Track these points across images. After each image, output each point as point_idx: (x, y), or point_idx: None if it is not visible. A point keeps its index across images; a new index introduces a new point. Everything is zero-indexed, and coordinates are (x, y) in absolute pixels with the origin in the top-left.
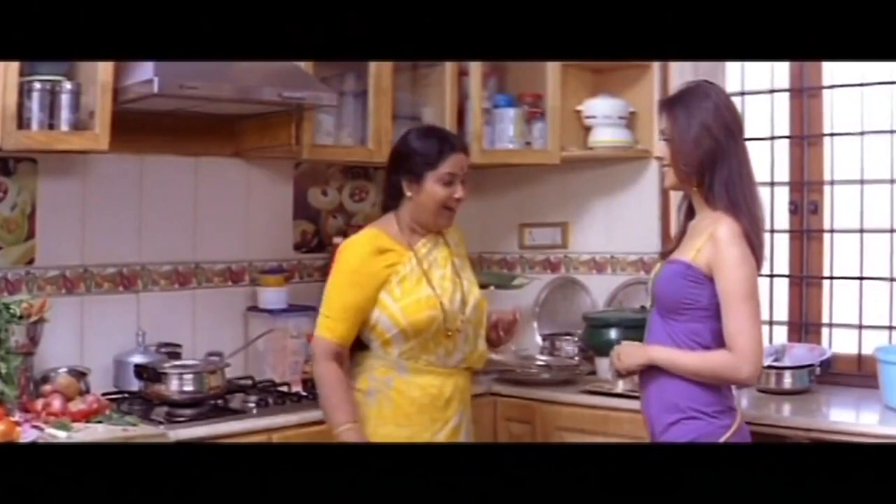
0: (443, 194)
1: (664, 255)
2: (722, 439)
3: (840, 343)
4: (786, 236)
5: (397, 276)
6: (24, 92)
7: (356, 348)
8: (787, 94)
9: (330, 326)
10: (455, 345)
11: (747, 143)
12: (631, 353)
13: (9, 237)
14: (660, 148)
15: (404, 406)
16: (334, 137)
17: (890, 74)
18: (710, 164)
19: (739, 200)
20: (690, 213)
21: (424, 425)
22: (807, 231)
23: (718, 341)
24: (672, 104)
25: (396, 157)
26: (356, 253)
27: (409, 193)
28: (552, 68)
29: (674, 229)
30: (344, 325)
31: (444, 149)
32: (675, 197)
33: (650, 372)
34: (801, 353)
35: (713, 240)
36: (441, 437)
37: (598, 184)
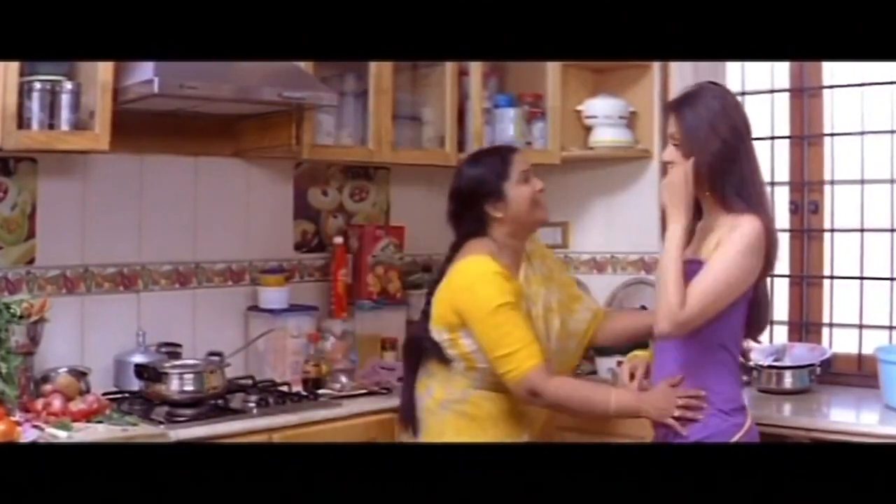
0: (528, 193)
1: None
2: (734, 438)
3: (840, 343)
4: (786, 236)
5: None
6: (24, 92)
7: (435, 359)
8: (787, 94)
9: (531, 353)
10: None
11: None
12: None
13: (9, 237)
14: (669, 153)
15: (480, 419)
16: (334, 137)
17: (890, 74)
18: (720, 166)
19: (755, 200)
20: (697, 214)
21: (498, 439)
22: (807, 231)
23: (741, 331)
24: (679, 106)
25: (466, 193)
26: (498, 283)
27: (498, 214)
28: (552, 68)
29: None
30: (539, 346)
31: (504, 157)
32: None
33: (665, 367)
34: (801, 353)
35: (724, 235)
36: (525, 438)
37: (598, 184)
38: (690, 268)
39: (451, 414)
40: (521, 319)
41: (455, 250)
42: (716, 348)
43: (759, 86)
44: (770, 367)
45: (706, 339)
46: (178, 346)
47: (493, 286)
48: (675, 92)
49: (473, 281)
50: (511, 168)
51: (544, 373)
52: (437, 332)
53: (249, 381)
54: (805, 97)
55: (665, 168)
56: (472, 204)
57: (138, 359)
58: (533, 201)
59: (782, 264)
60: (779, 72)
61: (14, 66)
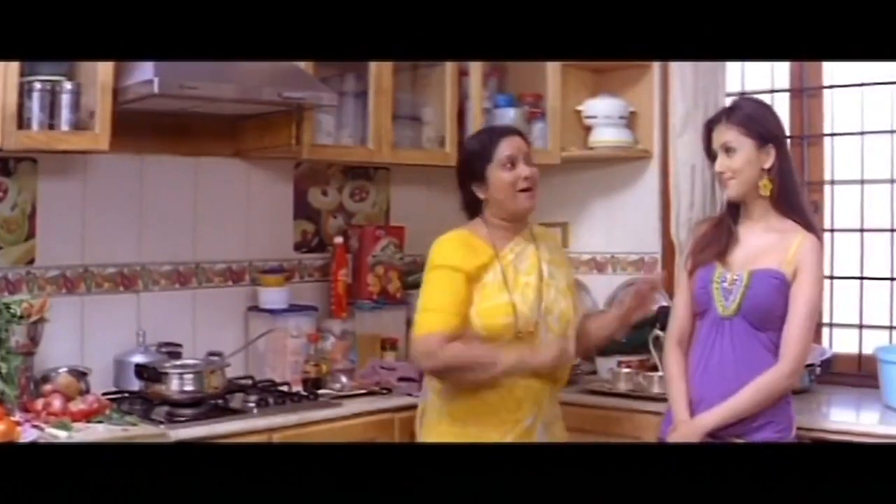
0: (508, 178)
1: (704, 259)
2: (793, 430)
3: (840, 343)
4: None
5: (482, 280)
6: (24, 92)
7: None
8: (787, 95)
9: (440, 320)
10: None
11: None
12: (687, 435)
13: (9, 237)
14: (720, 162)
15: (475, 405)
16: (334, 137)
17: (890, 74)
18: (787, 162)
19: (805, 208)
20: (734, 219)
21: (493, 425)
22: None
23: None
24: (729, 112)
25: (459, 170)
26: (450, 248)
27: (482, 196)
28: (552, 68)
29: (675, 229)
30: (457, 319)
31: (491, 138)
32: (676, 197)
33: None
34: None
35: (802, 251)
36: (510, 438)
37: (598, 184)
38: (770, 281)
39: (449, 399)
40: (452, 286)
41: None
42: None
43: (758, 86)
44: None
45: (774, 350)
46: (178, 346)
47: (441, 250)
48: (674, 92)
49: (432, 248)
50: (496, 150)
51: (444, 341)
52: None
53: (249, 381)
54: (805, 97)
55: (665, 169)
56: (461, 182)
57: (138, 359)
58: (513, 187)
59: None
60: (779, 72)
61: (14, 66)
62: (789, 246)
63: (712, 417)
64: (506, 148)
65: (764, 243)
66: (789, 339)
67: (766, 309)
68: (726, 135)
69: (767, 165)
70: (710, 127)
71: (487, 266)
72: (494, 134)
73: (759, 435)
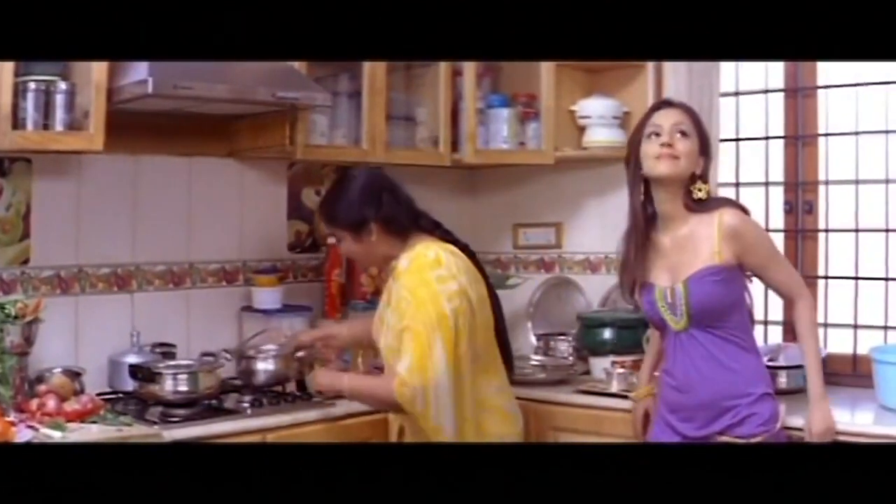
0: None
1: (635, 282)
2: (779, 423)
3: (835, 343)
4: (781, 236)
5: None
6: (18, 92)
7: None
8: (781, 95)
9: None
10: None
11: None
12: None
13: (4, 237)
14: (676, 140)
15: None
16: (328, 138)
17: (884, 75)
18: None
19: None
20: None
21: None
22: (802, 231)
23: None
24: (686, 107)
25: None
26: None
27: None
28: (546, 68)
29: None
30: None
31: None
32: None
33: (692, 360)
34: (796, 353)
35: (729, 232)
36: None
37: (592, 184)
38: (704, 279)
39: None
40: None
41: None
42: (736, 334)
43: (753, 86)
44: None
45: (734, 342)
46: (173, 346)
47: None
48: (668, 92)
49: None
50: None
51: None
52: None
53: (243, 382)
54: (799, 97)
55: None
56: None
57: (132, 359)
58: None
59: None
60: (773, 72)
61: (9, 67)
62: (713, 233)
63: (814, 386)
64: None
65: (688, 243)
66: (785, 284)
67: (712, 308)
68: (683, 119)
69: (699, 171)
70: (658, 107)
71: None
72: None
73: (741, 429)
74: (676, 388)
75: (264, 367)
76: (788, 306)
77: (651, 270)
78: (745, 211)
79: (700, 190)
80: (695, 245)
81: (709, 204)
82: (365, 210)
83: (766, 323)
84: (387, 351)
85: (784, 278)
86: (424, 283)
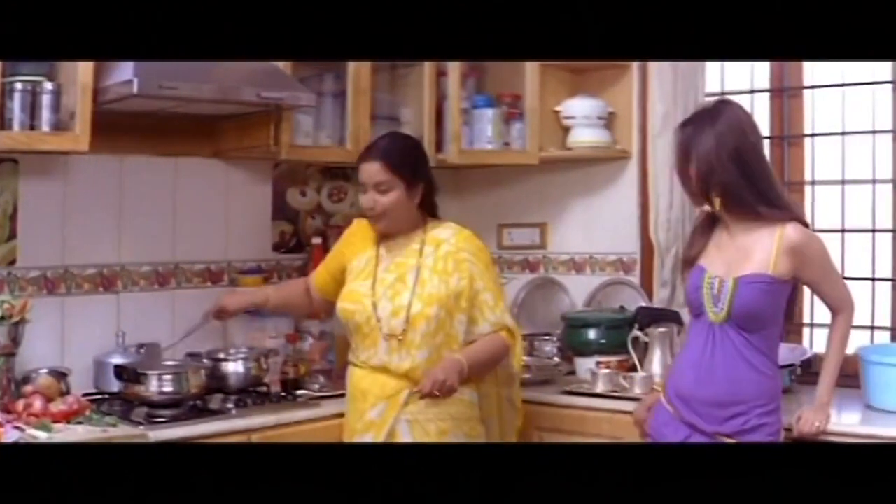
0: (361, 202)
1: (688, 261)
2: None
3: (821, 343)
4: None
5: (351, 265)
6: (5, 92)
7: None
8: (767, 95)
9: (318, 270)
10: (375, 348)
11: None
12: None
13: None
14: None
15: (350, 393)
16: (313, 138)
17: (871, 75)
18: (717, 182)
19: (781, 203)
20: (711, 223)
21: (350, 412)
22: None
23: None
24: (685, 126)
25: None
26: (351, 229)
27: None
28: (531, 68)
29: (654, 229)
30: (323, 269)
31: (359, 159)
32: (655, 197)
33: (722, 360)
34: (782, 353)
35: (789, 247)
36: (359, 426)
37: (576, 184)
38: (756, 285)
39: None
40: (331, 253)
41: None
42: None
43: (739, 86)
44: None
45: (762, 351)
46: (158, 346)
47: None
48: (653, 92)
49: None
50: (360, 173)
51: (313, 280)
52: None
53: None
54: (785, 97)
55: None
56: None
57: (118, 360)
58: (367, 209)
59: None
60: (759, 72)
61: None
62: (772, 243)
63: (825, 390)
64: (361, 174)
65: (748, 246)
66: (837, 298)
67: (755, 314)
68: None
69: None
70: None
71: (359, 253)
72: (361, 155)
73: (750, 437)
74: (695, 379)
75: (234, 369)
76: (832, 315)
77: (707, 257)
78: (805, 224)
79: (715, 203)
80: (754, 249)
81: (774, 214)
82: (427, 172)
83: (812, 326)
84: (426, 304)
85: (835, 294)
86: (483, 249)
